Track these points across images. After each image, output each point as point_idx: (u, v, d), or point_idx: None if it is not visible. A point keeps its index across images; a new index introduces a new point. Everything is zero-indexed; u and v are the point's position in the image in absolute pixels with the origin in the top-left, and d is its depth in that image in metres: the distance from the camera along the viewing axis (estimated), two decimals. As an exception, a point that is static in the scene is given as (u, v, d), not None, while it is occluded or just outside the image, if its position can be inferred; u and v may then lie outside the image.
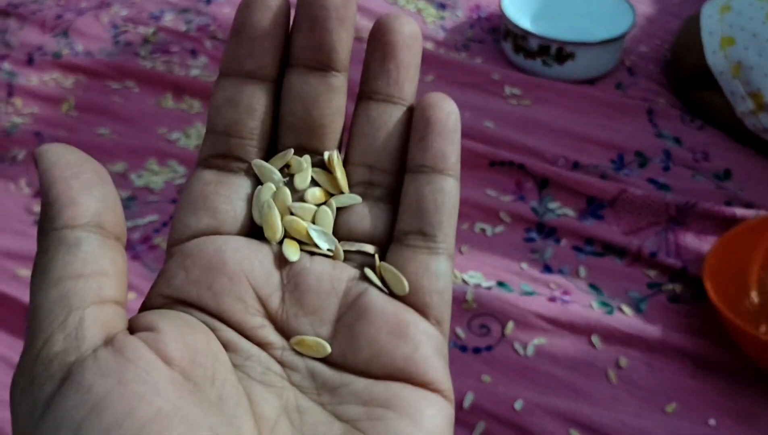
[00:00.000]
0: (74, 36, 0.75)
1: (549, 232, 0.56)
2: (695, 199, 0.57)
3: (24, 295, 0.49)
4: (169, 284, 0.19)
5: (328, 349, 0.19)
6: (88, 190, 0.17)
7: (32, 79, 0.69)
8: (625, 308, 0.51)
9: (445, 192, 0.20)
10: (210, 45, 0.73)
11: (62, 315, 0.16)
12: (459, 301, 0.51)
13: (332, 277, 0.19)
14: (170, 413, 0.16)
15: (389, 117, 0.20)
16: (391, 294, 0.20)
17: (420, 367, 0.19)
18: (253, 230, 0.20)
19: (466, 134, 0.63)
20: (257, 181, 0.20)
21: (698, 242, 0.55)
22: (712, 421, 0.44)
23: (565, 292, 0.52)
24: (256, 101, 0.20)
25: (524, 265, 0.54)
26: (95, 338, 0.16)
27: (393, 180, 0.21)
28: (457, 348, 0.48)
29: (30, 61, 0.70)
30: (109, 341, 0.16)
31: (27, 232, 0.54)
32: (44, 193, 0.17)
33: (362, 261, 0.20)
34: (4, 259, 0.52)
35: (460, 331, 0.49)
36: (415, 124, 0.20)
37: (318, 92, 0.20)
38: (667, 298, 0.52)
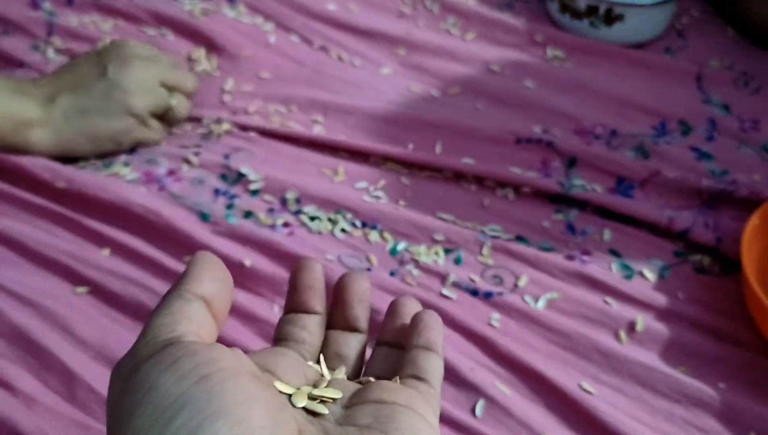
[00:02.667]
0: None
1: (575, 201, 0.58)
2: (732, 186, 0.58)
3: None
4: None
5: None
6: (212, 281, 0.28)
7: (71, 20, 0.74)
8: (647, 273, 0.52)
9: (436, 365, 0.32)
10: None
11: (167, 332, 0.26)
12: (476, 253, 0.53)
13: None
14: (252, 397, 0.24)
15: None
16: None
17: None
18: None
19: (502, 97, 0.66)
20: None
21: (735, 224, 0.56)
22: (722, 385, 0.46)
23: (585, 253, 0.54)
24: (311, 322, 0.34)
25: (546, 224, 0.56)
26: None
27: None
28: (468, 292, 0.50)
29: (70, 2, 0.75)
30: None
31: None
32: (187, 268, 0.28)
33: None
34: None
35: (474, 276, 0.52)
36: (413, 326, 0.33)
37: (351, 346, 0.34)
38: (692, 269, 0.53)
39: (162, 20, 0.74)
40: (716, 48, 0.72)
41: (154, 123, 0.60)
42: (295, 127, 0.63)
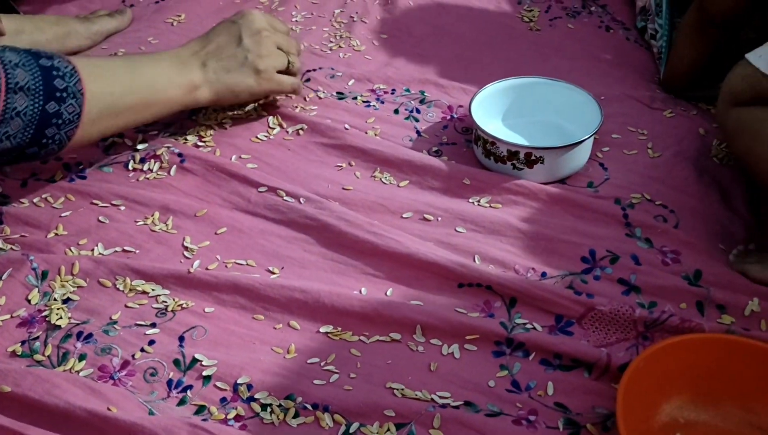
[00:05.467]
0: (64, 151, 0.77)
1: (518, 345, 0.57)
2: (665, 314, 0.58)
3: None
4: None
5: None
6: None
7: (24, 201, 0.71)
8: (591, 427, 0.51)
9: None
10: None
11: None
12: (427, 425, 0.52)
13: None
14: None
15: None
16: None
17: None
18: None
19: (440, 243, 0.65)
20: None
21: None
22: None
23: (532, 412, 0.53)
24: None
25: (492, 383, 0.55)
26: None
27: None
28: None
29: (23, 185, 0.73)
30: None
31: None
32: None
33: None
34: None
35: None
36: None
37: None
38: (635, 413, 0.53)
39: (114, 193, 0.72)
40: (637, 180, 0.73)
41: (278, 77, 0.76)
42: (255, 276, 0.62)
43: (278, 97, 0.84)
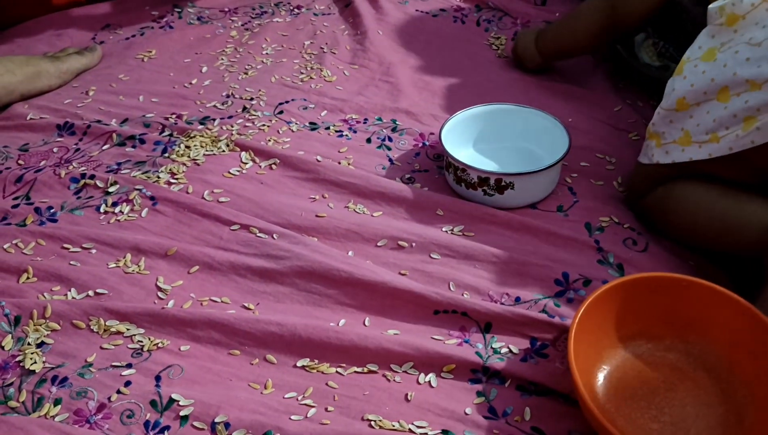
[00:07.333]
0: (35, 195, 0.78)
1: (494, 373, 0.58)
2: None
3: None
4: None
5: None
6: None
7: (-7, 249, 0.71)
8: (568, 452, 0.52)
9: None
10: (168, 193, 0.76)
11: None
12: (405, 455, 0.52)
13: None
14: None
15: None
16: None
17: None
18: None
19: (414, 270, 0.66)
20: None
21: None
22: None
23: (509, 438, 0.53)
24: None
25: (469, 410, 0.56)
26: None
27: None
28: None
29: (-7, 229, 0.73)
30: None
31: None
32: None
33: None
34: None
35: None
36: None
37: None
38: (610, 435, 0.54)
39: (85, 236, 0.72)
40: (605, 203, 0.74)
41: None
42: (230, 312, 0.63)
43: (251, 131, 0.85)
